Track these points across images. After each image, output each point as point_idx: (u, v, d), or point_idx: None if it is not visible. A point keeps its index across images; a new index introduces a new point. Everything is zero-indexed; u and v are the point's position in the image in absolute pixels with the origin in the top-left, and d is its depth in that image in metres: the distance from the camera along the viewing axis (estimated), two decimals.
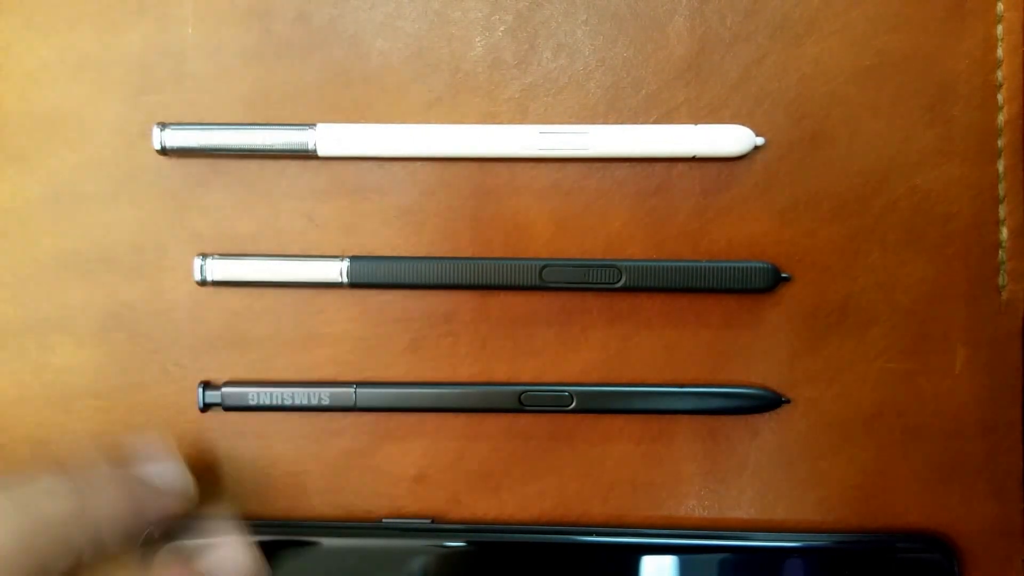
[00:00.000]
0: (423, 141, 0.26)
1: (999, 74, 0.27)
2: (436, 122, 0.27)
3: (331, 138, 0.26)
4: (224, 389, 0.27)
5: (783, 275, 0.27)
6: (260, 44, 0.27)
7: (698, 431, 0.27)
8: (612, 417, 0.27)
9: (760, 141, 0.26)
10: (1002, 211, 0.27)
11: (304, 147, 0.26)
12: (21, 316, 0.27)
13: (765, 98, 0.27)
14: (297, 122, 0.26)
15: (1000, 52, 0.26)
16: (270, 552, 0.26)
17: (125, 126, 0.27)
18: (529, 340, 0.27)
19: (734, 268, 0.26)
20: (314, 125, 0.26)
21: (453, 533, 0.27)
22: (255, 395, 0.27)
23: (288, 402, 0.27)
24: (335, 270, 0.26)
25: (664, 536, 0.27)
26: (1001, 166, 0.27)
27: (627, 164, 0.27)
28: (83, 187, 0.27)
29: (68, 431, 0.24)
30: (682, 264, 0.26)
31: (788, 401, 0.27)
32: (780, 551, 0.26)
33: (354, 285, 0.27)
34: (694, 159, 0.27)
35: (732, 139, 0.26)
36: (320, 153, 0.26)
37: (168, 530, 0.24)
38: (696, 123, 0.26)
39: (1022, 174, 0.26)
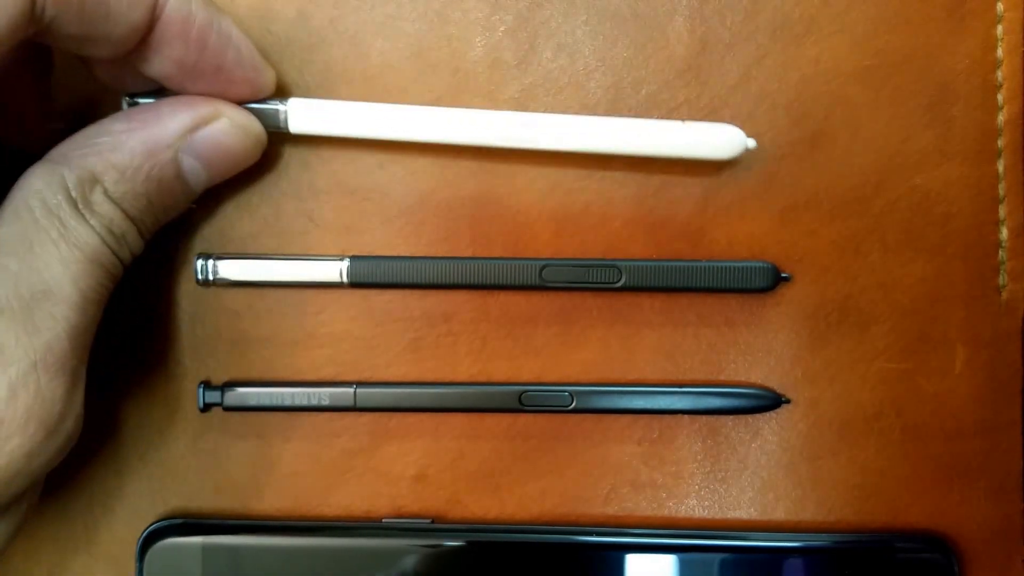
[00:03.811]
0: (403, 121, 0.25)
1: (999, 74, 0.27)
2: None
3: (303, 114, 0.25)
4: (224, 389, 0.27)
5: (783, 275, 0.27)
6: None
7: (698, 431, 0.27)
8: (612, 417, 0.27)
9: (751, 143, 0.25)
10: (1002, 211, 0.27)
11: (275, 124, 0.25)
12: None
13: (765, 98, 0.27)
14: None
15: (1000, 52, 0.26)
16: (270, 553, 0.26)
17: None
18: (529, 340, 0.27)
19: (734, 268, 0.26)
20: (286, 99, 0.25)
21: (453, 533, 0.27)
22: (255, 395, 0.27)
23: (288, 402, 0.27)
24: (335, 270, 0.26)
25: (664, 536, 0.27)
26: (1001, 166, 0.27)
27: (627, 164, 0.27)
28: None
29: None
30: (682, 264, 0.26)
31: (788, 401, 0.27)
32: (780, 551, 0.26)
33: (354, 285, 0.27)
34: (694, 160, 0.26)
35: (722, 139, 0.25)
36: (292, 129, 0.25)
37: None
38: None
39: (1022, 174, 0.26)
